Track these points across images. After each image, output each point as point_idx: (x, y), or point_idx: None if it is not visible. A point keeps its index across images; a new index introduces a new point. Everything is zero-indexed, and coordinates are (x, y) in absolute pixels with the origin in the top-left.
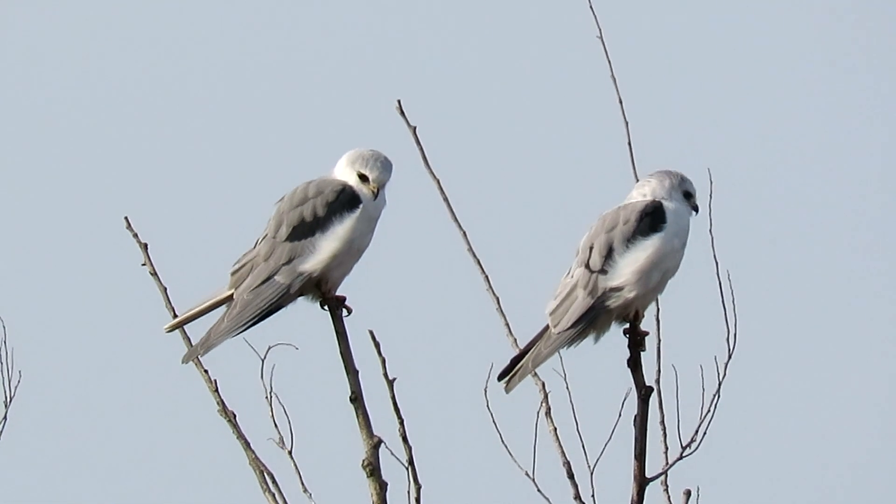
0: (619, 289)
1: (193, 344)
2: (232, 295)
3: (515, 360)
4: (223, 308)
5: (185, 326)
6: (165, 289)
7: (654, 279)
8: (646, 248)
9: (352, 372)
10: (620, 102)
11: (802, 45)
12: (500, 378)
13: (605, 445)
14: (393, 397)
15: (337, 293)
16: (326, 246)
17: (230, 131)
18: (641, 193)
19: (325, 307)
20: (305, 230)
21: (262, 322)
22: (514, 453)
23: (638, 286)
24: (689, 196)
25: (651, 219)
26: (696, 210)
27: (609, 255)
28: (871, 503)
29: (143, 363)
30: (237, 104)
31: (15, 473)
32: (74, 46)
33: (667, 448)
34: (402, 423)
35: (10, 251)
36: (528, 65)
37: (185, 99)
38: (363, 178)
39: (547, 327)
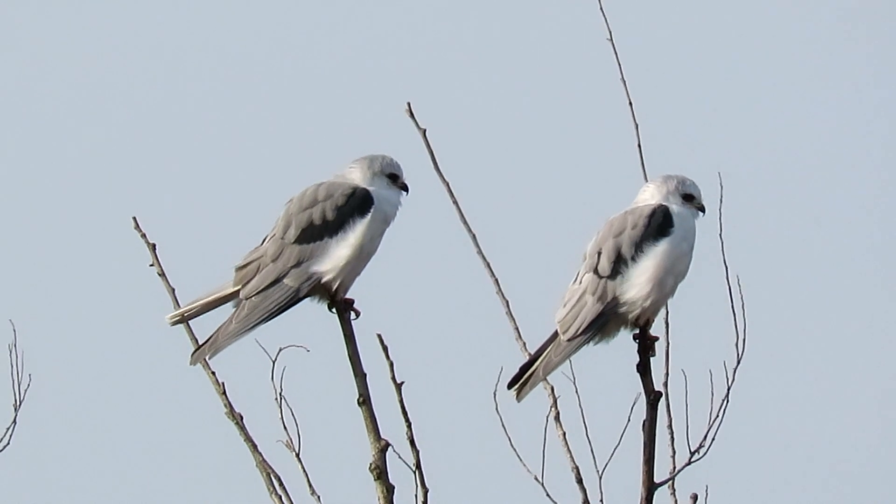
0: (633, 298)
1: (199, 342)
2: (236, 291)
3: (525, 368)
4: (229, 306)
5: (190, 324)
6: (174, 289)
7: (668, 284)
8: (656, 255)
9: (360, 375)
10: (630, 105)
11: (814, 49)
12: (510, 386)
13: (614, 450)
14: (401, 401)
15: (345, 296)
16: (339, 253)
17: (239, 133)
18: (643, 199)
19: (334, 310)
20: (314, 233)
21: (270, 323)
22: (523, 457)
23: (653, 293)
24: (690, 199)
25: (659, 223)
26: (703, 210)
27: (618, 259)
28: None
29: (152, 365)
30: (246, 105)
31: (24, 475)
32: (84, 47)
33: (675, 453)
34: (409, 426)
35: (19, 253)
36: (538, 67)
37: (194, 100)
38: (394, 178)
39: (556, 334)
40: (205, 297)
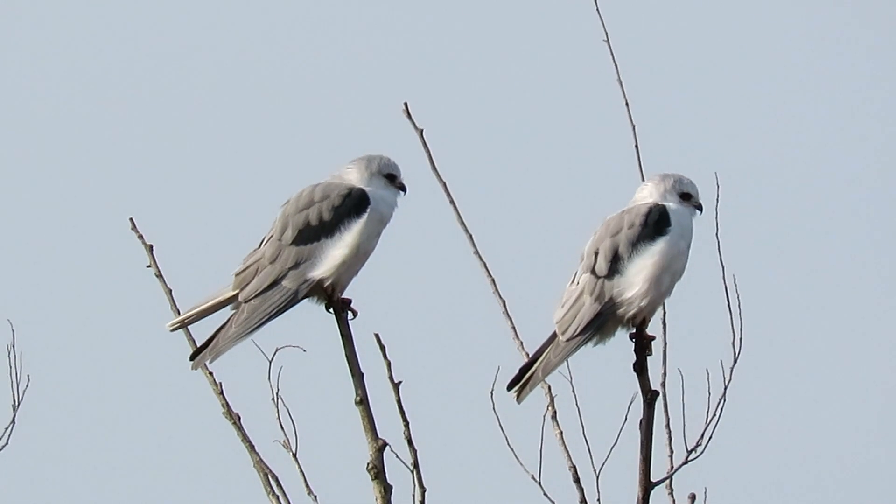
0: (631, 297)
1: (197, 345)
2: (235, 295)
3: (524, 369)
4: (227, 309)
5: (189, 327)
6: (171, 290)
7: (665, 283)
8: (653, 254)
9: (357, 375)
10: (627, 105)
11: (809, 49)
12: (509, 388)
13: (611, 449)
14: (398, 400)
15: (342, 296)
16: (335, 253)
17: (236, 134)
18: (640, 198)
19: (331, 310)
20: (311, 234)
21: (269, 324)
22: (520, 457)
23: (650, 292)
24: (687, 197)
25: (656, 221)
26: (700, 209)
27: (615, 259)
28: None
29: (149, 365)
30: (243, 107)
31: (23, 475)
32: (83, 47)
33: (672, 452)
34: (407, 425)
35: (17, 254)
36: (535, 68)
37: (191, 101)
38: (392, 178)
39: (554, 335)
40: (204, 302)
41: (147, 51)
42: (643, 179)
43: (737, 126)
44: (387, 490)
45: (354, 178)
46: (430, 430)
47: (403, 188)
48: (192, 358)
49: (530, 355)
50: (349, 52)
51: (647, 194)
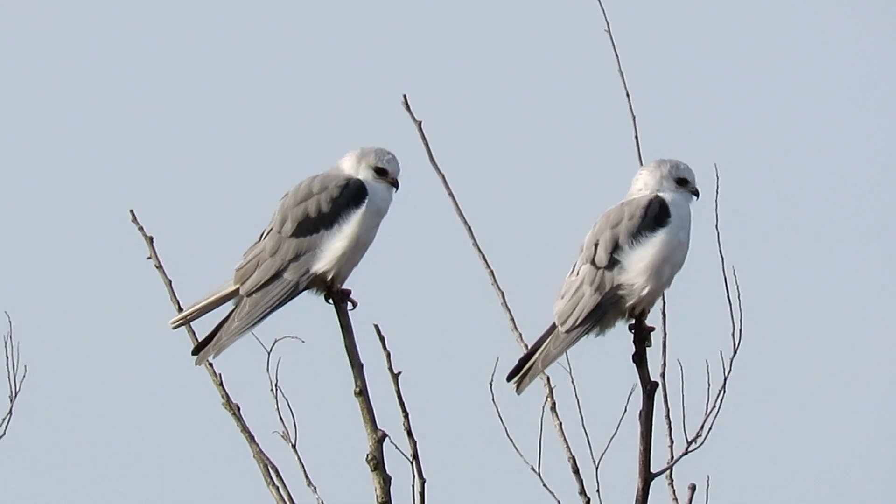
0: (631, 287)
1: (198, 338)
2: (237, 290)
3: (523, 360)
4: (229, 304)
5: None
6: (171, 282)
7: (666, 274)
8: (653, 245)
9: (357, 365)
10: (628, 96)
11: (810, 39)
12: (509, 379)
13: (611, 440)
14: (398, 391)
15: (342, 287)
16: (335, 245)
17: (236, 125)
18: (637, 188)
19: (331, 301)
20: (310, 226)
21: (270, 316)
22: (520, 448)
23: (651, 282)
24: (684, 182)
25: (656, 213)
26: (696, 194)
27: (615, 250)
28: (874, 498)
29: (148, 357)
30: (243, 98)
31: (20, 468)
32: (81, 41)
33: (672, 443)
34: (406, 417)
35: (16, 245)
36: (535, 59)
37: (191, 93)
38: (381, 172)
39: (554, 326)
40: (205, 298)
41: (146, 43)
42: None
43: (737, 117)
44: (386, 481)
45: (346, 168)
46: (429, 422)
47: (395, 184)
48: (195, 352)
49: (529, 347)
50: (348, 43)
51: (643, 182)
